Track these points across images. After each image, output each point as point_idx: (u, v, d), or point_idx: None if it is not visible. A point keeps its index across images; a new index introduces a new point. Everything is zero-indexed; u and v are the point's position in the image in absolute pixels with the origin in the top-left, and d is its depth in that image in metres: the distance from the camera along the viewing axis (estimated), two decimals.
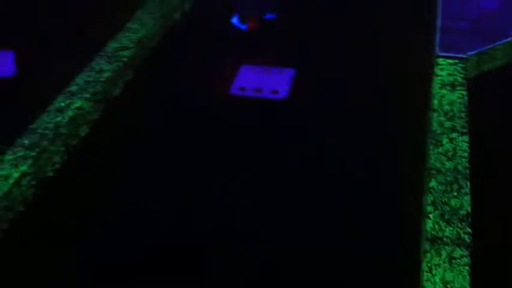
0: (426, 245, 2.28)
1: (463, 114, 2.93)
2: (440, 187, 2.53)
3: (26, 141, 2.70)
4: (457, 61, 3.30)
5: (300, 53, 3.71)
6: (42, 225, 2.50)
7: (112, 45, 3.49)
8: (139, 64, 3.55)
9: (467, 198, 2.48)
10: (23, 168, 2.55)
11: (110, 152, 2.91)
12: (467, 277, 2.14)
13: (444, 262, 2.19)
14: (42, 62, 3.45)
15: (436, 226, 2.36)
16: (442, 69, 3.24)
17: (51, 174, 2.72)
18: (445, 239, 2.29)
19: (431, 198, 2.48)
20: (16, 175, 2.50)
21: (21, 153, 2.62)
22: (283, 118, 3.13)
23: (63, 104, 2.95)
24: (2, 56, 3.53)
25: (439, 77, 3.18)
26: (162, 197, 2.62)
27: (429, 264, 2.18)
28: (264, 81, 3.44)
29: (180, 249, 2.38)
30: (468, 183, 2.55)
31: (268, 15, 4.04)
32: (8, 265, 2.32)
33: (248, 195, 2.63)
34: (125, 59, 3.38)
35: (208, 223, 2.49)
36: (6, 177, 2.49)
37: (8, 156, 2.61)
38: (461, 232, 2.33)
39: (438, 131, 2.82)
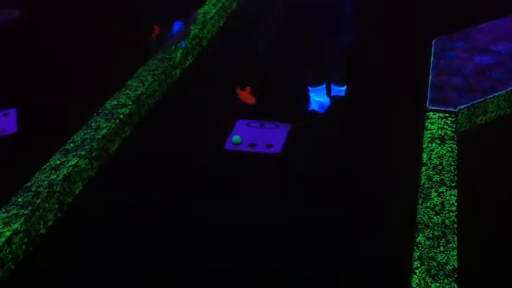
0: None
1: (452, 168, 2.94)
2: (427, 242, 2.53)
3: (20, 200, 2.77)
4: (447, 115, 3.34)
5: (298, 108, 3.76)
6: (34, 284, 2.54)
7: (110, 103, 3.60)
8: (137, 121, 3.64)
9: (454, 253, 2.47)
10: (15, 226, 2.61)
11: (104, 209, 2.96)
12: None
13: None
14: (42, 121, 3.57)
15: (422, 282, 2.36)
16: (432, 123, 3.28)
17: (43, 231, 2.77)
18: None
19: (418, 253, 2.48)
20: (8, 233, 2.57)
21: (14, 211, 2.69)
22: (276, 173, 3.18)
23: (58, 162, 3.03)
24: (6, 115, 3.66)
25: (429, 131, 3.22)
26: (154, 257, 2.66)
27: None
28: (259, 136, 3.50)
29: None
30: (456, 238, 2.55)
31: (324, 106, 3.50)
32: None
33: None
34: (122, 116, 3.48)
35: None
36: None
37: (1, 215, 2.68)
38: None
39: (426, 185, 2.84)
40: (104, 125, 3.37)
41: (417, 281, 2.36)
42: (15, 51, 4.46)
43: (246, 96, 3.58)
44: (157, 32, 4.33)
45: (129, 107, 3.57)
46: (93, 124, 3.38)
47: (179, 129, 3.60)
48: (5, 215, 2.68)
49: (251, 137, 3.50)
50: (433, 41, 4.13)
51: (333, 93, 3.69)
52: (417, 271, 2.40)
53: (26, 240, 2.65)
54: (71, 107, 3.68)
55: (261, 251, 2.64)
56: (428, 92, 3.53)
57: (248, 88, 3.55)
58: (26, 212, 2.69)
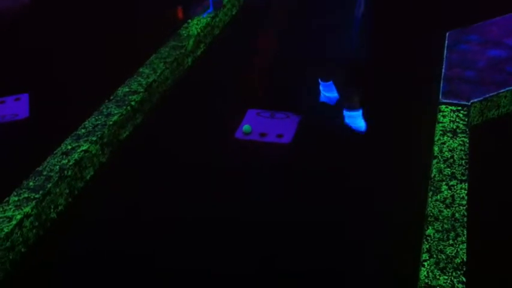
0: None
1: (463, 162, 2.93)
2: (436, 235, 2.53)
3: (31, 183, 2.79)
4: (459, 108, 3.32)
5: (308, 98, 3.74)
6: (44, 267, 2.57)
7: (122, 90, 3.61)
8: (148, 108, 3.65)
9: (464, 246, 2.47)
10: (26, 209, 2.63)
11: (115, 195, 2.97)
12: None
13: None
14: (53, 106, 3.58)
15: (430, 274, 2.35)
16: (444, 116, 3.27)
17: (54, 216, 2.80)
18: (438, 287, 2.29)
19: (427, 246, 2.48)
20: (19, 216, 2.59)
21: (25, 195, 2.71)
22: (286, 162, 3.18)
23: (69, 147, 3.05)
24: (18, 100, 3.68)
25: (441, 124, 3.20)
26: (164, 242, 2.67)
27: None
28: (269, 126, 3.50)
29: None
30: (465, 232, 2.54)
31: None
32: None
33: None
34: (133, 103, 3.49)
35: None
36: (10, 219, 2.58)
37: (13, 198, 2.70)
38: (455, 281, 2.32)
39: (437, 178, 2.83)
40: (115, 112, 3.38)
41: (425, 273, 2.36)
42: (28, 36, 4.47)
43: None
44: (181, 13, 4.37)
45: (140, 94, 3.58)
46: (104, 110, 3.39)
47: (190, 116, 3.60)
48: (16, 198, 2.70)
49: (261, 126, 3.49)
50: (447, 34, 4.10)
51: (346, 120, 3.25)
52: (426, 263, 2.40)
53: (36, 223, 2.68)
54: (83, 92, 3.69)
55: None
56: (441, 85, 3.51)
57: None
58: (37, 196, 2.71)
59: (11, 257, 2.52)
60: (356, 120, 3.22)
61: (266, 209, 2.83)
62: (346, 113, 3.24)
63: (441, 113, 3.28)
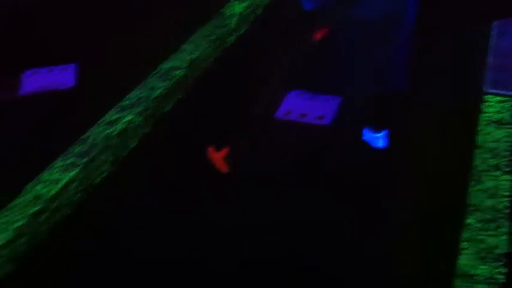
0: (457, 282, 2.27)
1: (507, 153, 2.89)
2: (477, 224, 2.51)
3: (77, 150, 2.86)
4: (506, 99, 3.27)
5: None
6: (86, 227, 2.64)
7: (166, 65, 3.65)
8: (191, 83, 3.68)
9: (505, 238, 2.45)
10: (72, 174, 2.70)
11: (157, 164, 3.02)
12: None
13: None
14: (100, 77, 3.64)
15: (469, 263, 2.34)
16: (490, 107, 3.22)
17: (98, 181, 2.86)
18: (476, 277, 2.27)
19: (468, 235, 2.46)
20: (65, 180, 2.66)
21: (70, 160, 2.78)
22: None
23: (114, 118, 3.11)
24: (65, 70, 3.75)
25: (486, 114, 3.16)
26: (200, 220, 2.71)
27: None
28: (309, 107, 3.50)
29: None
30: (507, 223, 2.52)
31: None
32: (52, 263, 2.45)
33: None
34: (176, 78, 3.53)
35: None
36: (57, 182, 2.65)
37: (59, 163, 2.78)
38: (494, 271, 2.30)
39: (480, 168, 2.80)
40: (159, 85, 3.43)
41: (465, 262, 2.35)
42: (78, 8, 4.53)
43: (219, 161, 2.93)
44: None
45: (183, 69, 3.62)
46: (148, 84, 3.44)
47: (230, 94, 3.62)
48: (61, 163, 2.77)
49: (302, 107, 3.50)
50: (493, 24, 4.02)
51: (364, 137, 3.04)
52: (465, 252, 2.39)
53: (81, 188, 2.74)
54: (128, 66, 3.73)
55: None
56: (487, 75, 3.46)
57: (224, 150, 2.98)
58: (83, 161, 2.78)
59: (56, 218, 2.60)
60: (377, 140, 2.96)
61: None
62: (367, 132, 2.96)
63: (486, 103, 3.24)
